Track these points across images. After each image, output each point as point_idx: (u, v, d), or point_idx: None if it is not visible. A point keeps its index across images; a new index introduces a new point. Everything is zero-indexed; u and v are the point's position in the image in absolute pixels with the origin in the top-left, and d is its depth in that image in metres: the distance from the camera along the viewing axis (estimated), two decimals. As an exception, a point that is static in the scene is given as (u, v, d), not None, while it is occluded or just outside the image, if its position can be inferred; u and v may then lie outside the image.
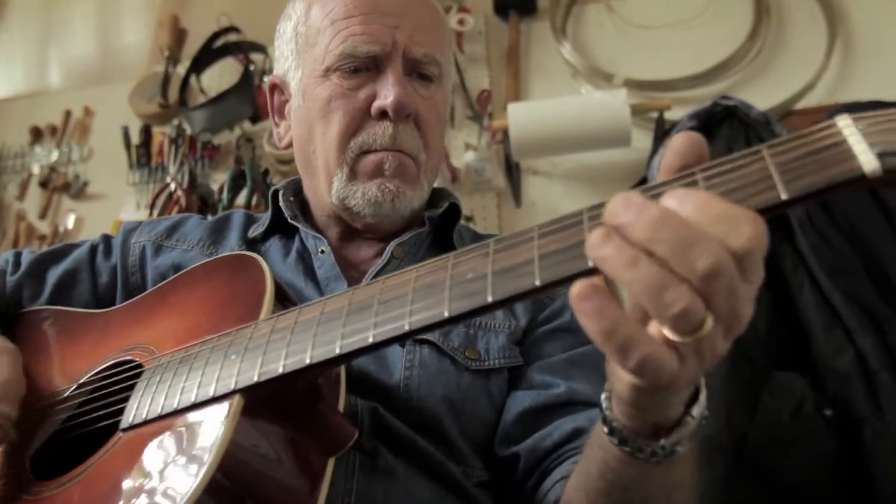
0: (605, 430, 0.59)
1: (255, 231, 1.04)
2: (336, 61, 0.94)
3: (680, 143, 0.52)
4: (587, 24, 2.44)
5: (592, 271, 0.50)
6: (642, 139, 2.12)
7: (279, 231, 1.04)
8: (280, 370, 0.63)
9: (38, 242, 2.60)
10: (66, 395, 0.81)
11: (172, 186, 2.24)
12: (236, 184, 2.21)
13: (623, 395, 0.55)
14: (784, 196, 0.47)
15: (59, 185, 2.67)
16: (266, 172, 2.27)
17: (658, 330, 0.48)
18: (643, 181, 2.09)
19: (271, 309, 0.72)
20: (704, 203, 0.46)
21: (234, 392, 0.64)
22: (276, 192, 1.05)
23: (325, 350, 0.62)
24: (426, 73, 0.98)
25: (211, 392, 0.65)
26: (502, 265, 0.55)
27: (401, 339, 0.60)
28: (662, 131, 2.09)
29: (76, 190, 2.65)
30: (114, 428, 0.72)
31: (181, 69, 2.56)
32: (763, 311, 1.48)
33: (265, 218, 1.06)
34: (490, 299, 0.54)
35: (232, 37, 2.45)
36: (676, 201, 0.47)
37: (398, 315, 0.59)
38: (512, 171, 2.17)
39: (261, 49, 2.43)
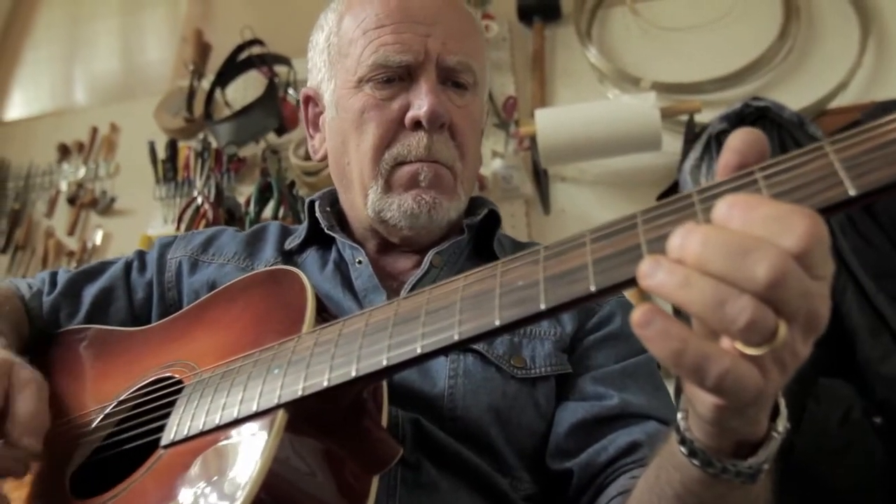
0: (685, 451, 0.56)
1: (292, 243, 1.03)
2: (368, 72, 0.93)
3: (738, 140, 0.50)
4: (612, 27, 2.42)
5: None
6: (672, 143, 2.09)
7: (316, 242, 1.02)
8: (325, 383, 0.61)
9: (66, 259, 2.62)
10: (105, 412, 0.79)
11: (199, 200, 2.24)
12: (263, 196, 2.21)
13: (706, 416, 0.52)
14: (852, 192, 0.45)
15: (86, 202, 2.69)
16: (292, 184, 2.26)
17: (731, 345, 0.46)
18: (674, 185, 2.06)
19: (313, 322, 0.71)
20: (750, 207, 0.44)
21: (277, 407, 0.63)
22: (312, 203, 1.04)
23: (371, 362, 0.60)
24: (460, 81, 0.96)
25: (254, 407, 0.64)
26: (554, 271, 0.53)
27: (450, 350, 0.58)
28: (692, 134, 2.06)
29: (103, 206, 2.66)
30: (154, 445, 0.70)
31: (206, 83, 2.56)
32: (805, 315, 1.44)
33: (301, 229, 1.04)
34: (543, 307, 0.52)
35: (256, 49, 2.45)
36: (723, 212, 0.45)
37: (447, 325, 0.57)
38: (540, 177, 2.15)
39: (285, 61, 2.43)
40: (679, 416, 0.57)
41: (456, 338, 0.56)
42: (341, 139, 0.97)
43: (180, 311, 0.90)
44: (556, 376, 0.91)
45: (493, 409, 0.85)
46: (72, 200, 2.71)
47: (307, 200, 1.05)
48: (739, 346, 0.45)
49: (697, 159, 1.97)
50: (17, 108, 3.13)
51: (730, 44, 2.26)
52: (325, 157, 1.03)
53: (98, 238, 2.62)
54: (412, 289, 0.93)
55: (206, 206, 2.19)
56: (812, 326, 0.47)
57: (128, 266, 1.06)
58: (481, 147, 1.05)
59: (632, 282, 0.49)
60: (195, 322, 0.84)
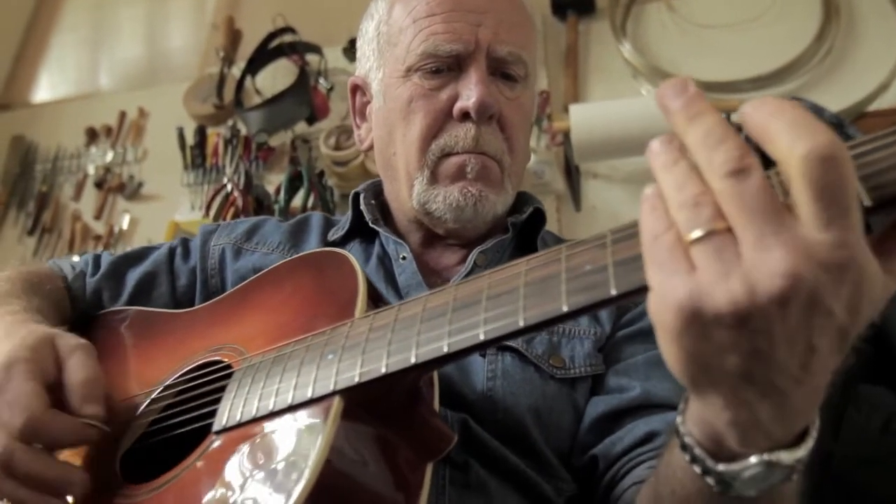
0: (679, 443, 0.52)
1: (335, 234, 1.02)
2: (418, 61, 0.92)
3: None
4: (647, 23, 2.39)
5: None
6: (707, 142, 2.06)
7: (359, 235, 1.01)
8: (383, 370, 0.59)
9: (93, 243, 2.61)
10: (152, 397, 0.78)
11: (229, 187, 2.23)
12: (293, 185, 2.19)
13: (674, 366, 0.46)
14: None
15: (114, 186, 2.68)
16: (321, 174, 2.25)
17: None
18: (709, 185, 2.03)
19: (365, 306, 0.69)
20: (780, 106, 0.41)
21: (333, 393, 0.61)
22: (357, 195, 1.02)
23: (431, 348, 0.58)
24: (511, 72, 0.94)
25: (308, 393, 0.62)
26: (624, 255, 0.50)
27: (514, 336, 0.56)
28: (729, 133, 2.03)
29: (131, 191, 2.66)
30: (203, 430, 0.69)
31: (235, 70, 2.56)
32: (846, 319, 1.41)
33: (344, 221, 1.03)
34: (614, 292, 0.49)
35: (287, 38, 2.44)
36: (752, 104, 0.42)
37: (510, 311, 0.55)
38: (572, 174, 2.13)
39: (316, 50, 2.41)
40: (680, 407, 0.53)
41: (521, 324, 0.54)
42: (388, 129, 0.96)
43: (225, 293, 0.88)
44: (593, 377, 0.89)
45: (533, 410, 0.83)
46: (99, 184, 2.71)
47: (352, 192, 1.04)
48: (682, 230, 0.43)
49: (734, 159, 1.94)
50: (44, 91, 3.14)
51: (767, 43, 2.23)
52: (371, 147, 1.02)
53: (125, 223, 2.61)
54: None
55: (236, 193, 2.18)
56: (753, 266, 0.40)
57: (171, 252, 1.05)
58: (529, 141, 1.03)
59: None
60: (242, 305, 0.83)
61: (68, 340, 0.75)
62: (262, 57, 2.46)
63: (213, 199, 2.25)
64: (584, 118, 1.98)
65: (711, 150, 0.42)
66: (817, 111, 1.94)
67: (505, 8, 0.94)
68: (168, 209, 2.53)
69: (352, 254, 0.97)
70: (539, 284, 0.54)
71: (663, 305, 0.43)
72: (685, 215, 0.42)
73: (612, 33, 2.33)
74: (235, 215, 2.17)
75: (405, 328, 0.61)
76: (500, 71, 0.93)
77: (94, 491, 0.68)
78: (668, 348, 0.44)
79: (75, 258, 1.07)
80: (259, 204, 2.21)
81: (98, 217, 2.66)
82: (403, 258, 0.95)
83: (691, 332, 0.42)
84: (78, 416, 0.69)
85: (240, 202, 2.15)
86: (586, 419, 0.86)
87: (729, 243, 0.41)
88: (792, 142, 0.39)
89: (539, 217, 1.01)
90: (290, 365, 0.66)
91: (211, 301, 0.89)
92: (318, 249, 0.91)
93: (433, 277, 0.95)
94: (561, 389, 0.86)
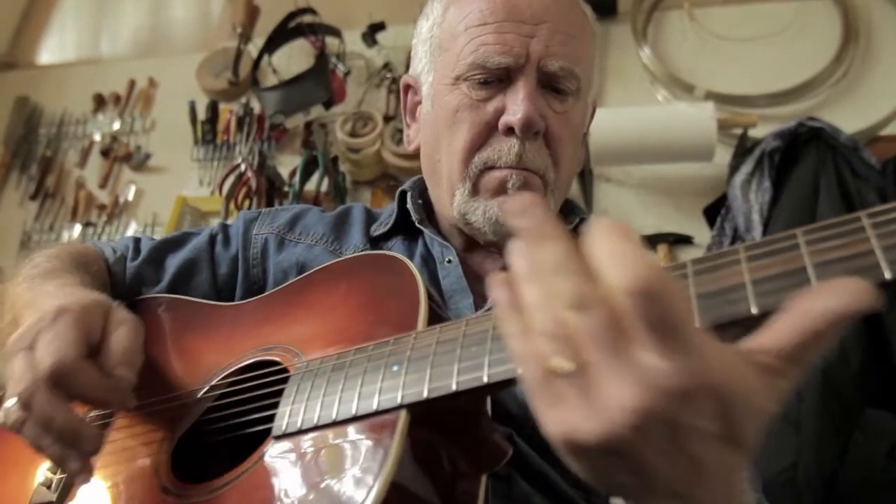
0: None
1: (378, 230, 1.01)
2: (466, 71, 0.90)
3: None
4: (668, 30, 2.40)
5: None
6: (721, 154, 2.08)
7: (402, 232, 1.01)
8: (453, 387, 0.59)
9: (97, 212, 2.59)
10: (200, 394, 0.77)
11: (243, 167, 2.21)
12: (308, 169, 2.18)
13: (583, 479, 0.46)
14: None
15: (120, 156, 2.65)
16: (335, 159, 2.24)
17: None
18: (722, 198, 2.05)
19: (427, 316, 0.69)
20: (602, 235, 0.42)
21: (400, 407, 0.61)
22: (403, 193, 1.02)
23: (504, 370, 0.58)
24: (561, 87, 0.92)
25: (374, 405, 0.62)
26: (708, 288, 0.49)
27: None
28: (744, 148, 2.05)
29: (138, 161, 2.63)
30: (257, 433, 0.69)
31: (251, 47, 2.53)
32: (855, 346, 1.44)
33: (387, 216, 1.03)
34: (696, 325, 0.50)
35: (307, 18, 2.42)
36: (593, 234, 0.42)
37: None
38: (585, 176, 2.14)
39: (335, 32, 2.40)
40: None
41: None
42: (434, 135, 0.95)
43: (275, 290, 0.87)
44: None
45: None
46: (105, 153, 2.68)
47: (398, 189, 1.04)
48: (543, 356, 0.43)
49: (748, 174, 1.96)
50: (50, 53, 3.09)
51: (785, 60, 2.25)
52: (417, 149, 1.02)
53: (130, 194, 2.59)
54: None
55: (249, 173, 2.17)
56: (599, 394, 0.40)
57: (212, 238, 1.04)
58: (581, 151, 1.03)
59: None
60: (294, 303, 0.82)
61: (121, 313, 0.75)
62: (281, 36, 2.44)
63: (226, 177, 2.24)
64: (604, 123, 1.99)
65: (555, 278, 0.42)
66: (833, 132, 1.96)
67: (561, 18, 0.92)
68: (175, 183, 2.51)
69: (395, 250, 0.98)
70: None
71: (546, 430, 0.44)
72: (544, 343, 0.42)
73: (633, 37, 2.33)
74: (247, 195, 2.16)
75: (475, 344, 0.60)
76: (551, 85, 0.92)
77: (146, 488, 0.68)
78: (568, 463, 0.46)
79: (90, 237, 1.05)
80: (271, 185, 2.20)
81: (103, 186, 2.64)
82: (449, 261, 0.95)
83: (576, 457, 0.44)
84: (111, 376, 0.69)
85: (253, 183, 2.14)
86: None
87: (586, 377, 0.41)
88: (615, 277, 0.40)
89: None
90: (352, 373, 0.66)
91: (259, 297, 0.88)
92: (373, 252, 0.90)
93: (478, 284, 0.95)
94: None
